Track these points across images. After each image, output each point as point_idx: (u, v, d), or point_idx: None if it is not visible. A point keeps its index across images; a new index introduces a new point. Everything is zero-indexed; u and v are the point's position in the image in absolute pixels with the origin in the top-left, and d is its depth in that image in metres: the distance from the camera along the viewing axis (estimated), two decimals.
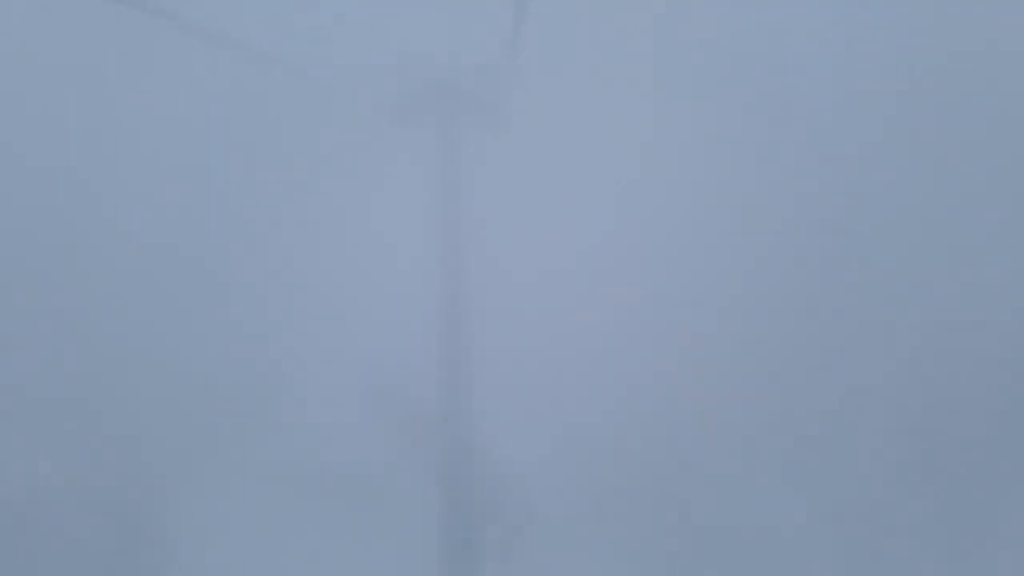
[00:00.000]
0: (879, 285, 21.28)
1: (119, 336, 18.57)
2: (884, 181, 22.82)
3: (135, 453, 15.51)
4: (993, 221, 21.67)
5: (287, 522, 14.53)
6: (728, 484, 15.07)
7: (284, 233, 21.54)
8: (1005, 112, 21.85)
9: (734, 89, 22.69)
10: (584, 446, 15.66)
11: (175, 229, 22.16)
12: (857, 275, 21.72)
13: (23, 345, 17.94)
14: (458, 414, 9.49)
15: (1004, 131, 21.87)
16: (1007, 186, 21.99)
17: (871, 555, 14.49)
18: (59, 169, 21.84)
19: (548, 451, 15.64)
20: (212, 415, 16.99)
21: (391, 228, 20.56)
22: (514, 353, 17.35)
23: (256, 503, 14.85)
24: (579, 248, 19.87)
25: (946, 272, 21.06)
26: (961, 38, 22.61)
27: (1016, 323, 18.97)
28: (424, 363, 17.16)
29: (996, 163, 22.15)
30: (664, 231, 21.58)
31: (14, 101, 21.95)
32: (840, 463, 15.91)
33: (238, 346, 18.69)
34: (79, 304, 19.50)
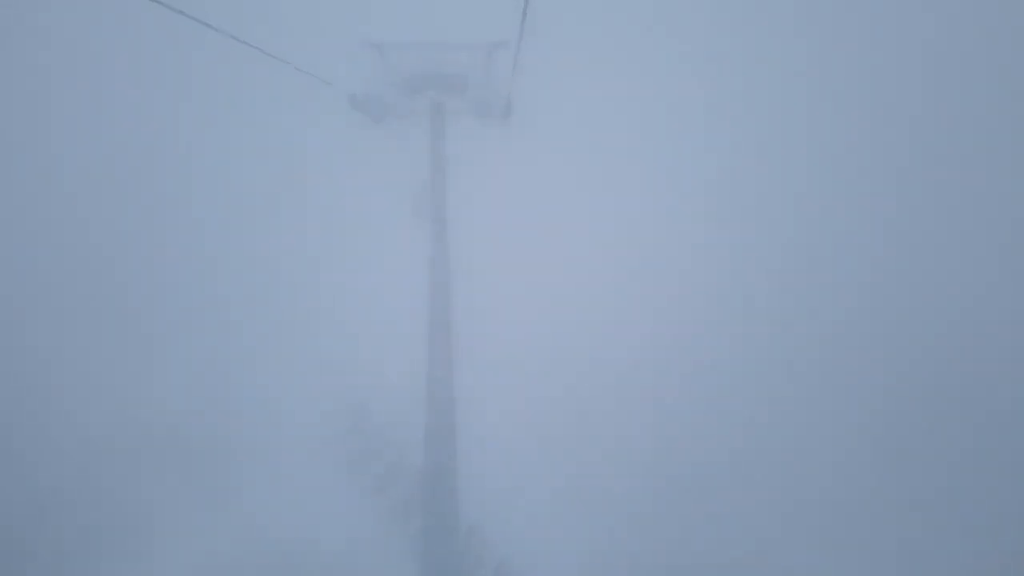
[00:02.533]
0: (881, 289, 20.99)
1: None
2: (886, 186, 22.44)
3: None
4: (994, 223, 21.57)
5: None
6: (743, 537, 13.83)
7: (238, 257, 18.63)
8: (1008, 114, 21.67)
9: (738, 86, 21.91)
10: (582, 520, 13.84)
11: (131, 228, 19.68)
12: (858, 279, 21.38)
13: None
14: (446, 481, 7.91)
15: (1007, 132, 21.65)
16: (1008, 188, 21.90)
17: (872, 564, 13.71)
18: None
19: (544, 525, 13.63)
20: (155, 473, 13.76)
21: (374, 243, 18.32)
22: (510, 406, 15.42)
23: None
24: (581, 272, 18.26)
25: (948, 275, 20.89)
26: (962, 40, 22.30)
27: (1016, 323, 18.97)
28: (408, 406, 15.02)
29: (998, 164, 22.01)
30: (663, 233, 20.69)
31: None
32: (840, 467, 15.31)
33: (189, 385, 15.53)
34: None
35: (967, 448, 15.49)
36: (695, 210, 21.58)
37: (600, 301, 18.20)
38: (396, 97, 12.06)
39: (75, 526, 12.42)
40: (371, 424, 15.17)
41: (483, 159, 15.73)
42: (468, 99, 12.17)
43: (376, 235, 17.86)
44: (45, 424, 14.20)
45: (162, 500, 13.12)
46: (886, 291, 21.02)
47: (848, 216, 22.92)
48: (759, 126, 23.17)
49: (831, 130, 24.12)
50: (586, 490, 14.11)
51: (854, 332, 19.59)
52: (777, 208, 22.47)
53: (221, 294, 17.61)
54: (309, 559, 12.20)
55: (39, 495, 12.78)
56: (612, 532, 13.40)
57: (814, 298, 20.69)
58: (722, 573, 13.00)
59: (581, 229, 19.85)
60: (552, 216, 19.63)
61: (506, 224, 18.89)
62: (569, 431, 14.97)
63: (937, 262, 21.68)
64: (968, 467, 15.04)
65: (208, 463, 14.03)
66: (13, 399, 14.73)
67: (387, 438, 14.54)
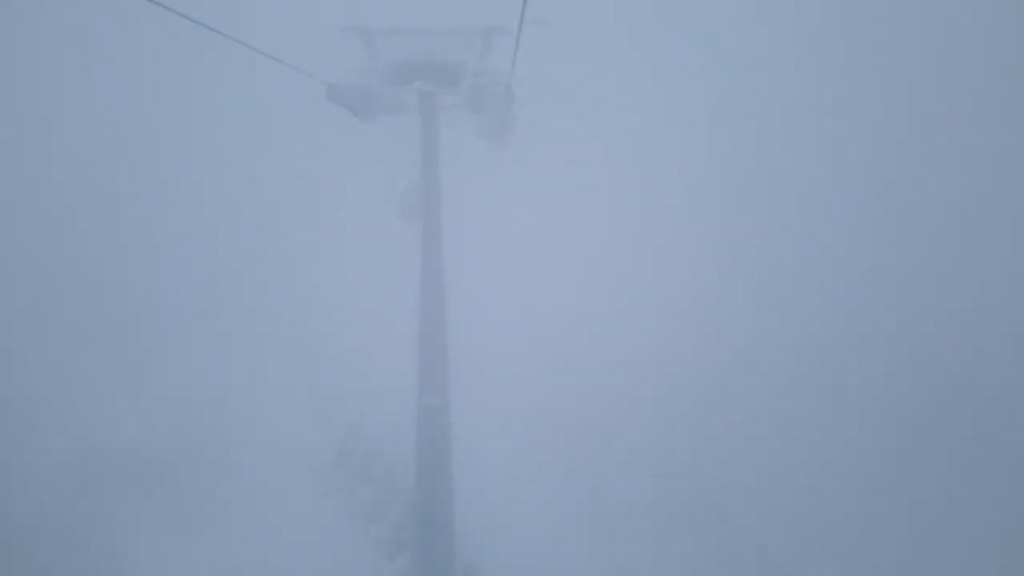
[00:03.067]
0: (882, 289, 20.88)
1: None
2: (887, 186, 22.43)
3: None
4: (995, 224, 21.55)
5: None
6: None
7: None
8: (1008, 114, 21.71)
9: (734, 89, 21.79)
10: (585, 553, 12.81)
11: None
12: (858, 279, 21.24)
13: None
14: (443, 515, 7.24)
15: (1005, 132, 21.73)
16: (1006, 187, 21.94)
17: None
18: None
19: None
20: (135, 497, 12.98)
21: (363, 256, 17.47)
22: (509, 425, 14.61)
23: None
24: (581, 293, 17.74)
25: (948, 275, 20.80)
26: (963, 40, 22.34)
27: (1014, 324, 19.00)
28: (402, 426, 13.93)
29: (997, 164, 22.04)
30: (664, 234, 20.41)
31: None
32: (847, 471, 14.79)
33: (173, 403, 14.67)
34: None
35: (969, 450, 15.14)
36: (696, 211, 21.43)
37: (606, 314, 17.70)
38: (382, 89, 11.09)
39: (51, 553, 11.77)
40: (362, 446, 14.47)
41: (479, 157, 14.93)
42: (463, 91, 11.19)
43: (365, 242, 17.22)
44: (20, 442, 13.53)
45: (142, 526, 12.39)
46: (887, 291, 21.21)
47: (849, 216, 23.17)
48: (762, 125, 23.21)
49: (832, 128, 24.23)
50: (592, 517, 13.39)
51: (856, 333, 19.56)
52: (778, 208, 22.64)
53: (207, 312, 16.99)
54: None
55: (22, 514, 12.19)
56: (619, 563, 12.72)
57: (815, 298, 20.68)
58: None
59: (581, 232, 19.33)
60: (552, 217, 19.11)
61: (504, 226, 18.33)
62: (574, 453, 14.30)
63: (938, 263, 21.99)
64: (971, 470, 14.70)
65: (192, 488, 13.26)
66: None
67: (378, 462, 13.86)
